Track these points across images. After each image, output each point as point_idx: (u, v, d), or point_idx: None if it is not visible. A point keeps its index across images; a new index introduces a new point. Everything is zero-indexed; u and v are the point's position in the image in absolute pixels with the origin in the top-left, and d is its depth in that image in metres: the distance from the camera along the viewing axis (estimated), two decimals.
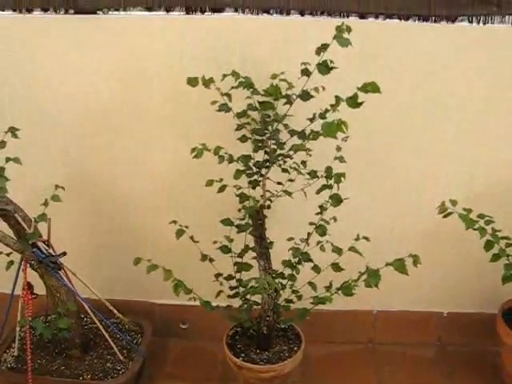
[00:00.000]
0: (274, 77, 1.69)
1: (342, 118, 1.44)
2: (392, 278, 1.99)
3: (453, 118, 1.90)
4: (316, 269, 1.79)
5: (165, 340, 2.20)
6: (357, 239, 1.76)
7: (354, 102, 1.49)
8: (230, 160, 1.62)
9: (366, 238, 1.75)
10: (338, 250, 1.75)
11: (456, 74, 1.85)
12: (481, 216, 1.81)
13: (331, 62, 1.54)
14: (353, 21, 1.81)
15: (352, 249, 1.74)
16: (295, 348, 1.84)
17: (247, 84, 1.64)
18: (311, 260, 1.76)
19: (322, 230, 1.71)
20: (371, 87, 1.47)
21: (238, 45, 1.81)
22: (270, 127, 1.64)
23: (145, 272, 1.70)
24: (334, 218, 1.72)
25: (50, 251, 1.76)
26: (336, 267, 1.76)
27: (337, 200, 1.67)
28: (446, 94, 1.87)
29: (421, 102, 1.88)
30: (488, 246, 1.80)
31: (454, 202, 1.80)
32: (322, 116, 1.56)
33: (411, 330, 2.21)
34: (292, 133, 1.66)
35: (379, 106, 1.76)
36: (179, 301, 1.87)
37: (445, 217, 1.78)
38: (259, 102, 1.66)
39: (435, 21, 1.85)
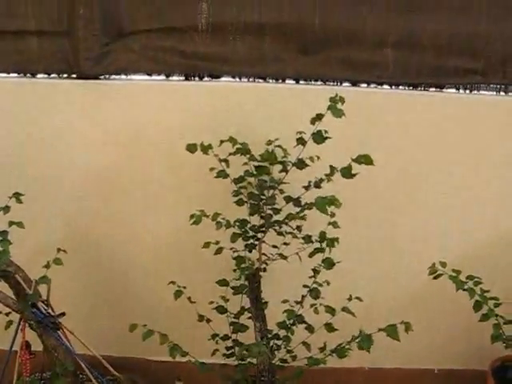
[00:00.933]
0: (269, 143, 1.75)
1: (337, 185, 1.53)
2: (384, 338, 2.04)
3: (442, 184, 1.96)
4: (310, 329, 1.82)
5: None
6: (349, 299, 1.79)
7: (348, 172, 1.55)
8: (228, 225, 1.67)
9: (359, 299, 1.79)
10: (331, 311, 1.79)
11: (445, 141, 1.92)
12: (470, 277, 1.86)
13: (325, 131, 1.60)
14: (346, 88, 1.87)
15: (345, 309, 1.78)
16: None
17: (244, 150, 1.71)
18: (305, 322, 1.79)
19: (315, 292, 1.76)
20: (365, 159, 1.55)
21: (234, 111, 1.86)
22: (266, 192, 1.69)
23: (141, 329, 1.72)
24: (327, 282, 1.75)
25: (49, 311, 1.78)
26: (329, 328, 1.80)
27: (329, 263, 1.73)
28: (436, 161, 1.94)
29: (412, 169, 1.95)
30: (477, 306, 1.85)
31: (443, 264, 1.85)
32: (317, 185, 1.63)
33: None
34: (287, 200, 1.71)
35: (372, 174, 1.82)
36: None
37: (435, 278, 1.83)
38: (255, 167, 1.71)
39: (424, 88, 1.91)
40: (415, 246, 2.03)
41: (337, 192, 1.65)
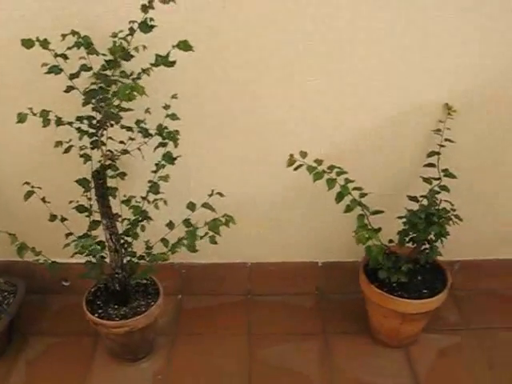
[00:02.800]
0: (115, 35, 1.62)
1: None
2: (268, 233, 2.03)
3: (311, 67, 1.82)
4: (170, 225, 1.80)
5: (45, 297, 2.22)
6: (211, 195, 1.75)
7: (166, 60, 1.47)
8: (59, 123, 1.60)
9: (220, 194, 1.75)
10: (191, 206, 1.75)
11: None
12: (331, 167, 1.80)
13: (151, 19, 1.50)
14: None
15: (205, 205, 1.74)
16: (152, 303, 1.85)
17: (85, 43, 1.59)
18: (150, 218, 1.76)
19: (155, 188, 1.71)
20: (183, 45, 1.46)
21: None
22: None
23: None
24: (166, 177, 1.71)
25: None
26: (187, 223, 1.77)
27: (169, 158, 1.66)
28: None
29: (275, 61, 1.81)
30: (338, 197, 1.81)
31: (303, 155, 1.79)
32: (147, 72, 1.54)
33: (289, 281, 2.23)
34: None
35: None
36: (60, 259, 1.85)
37: (295, 170, 1.77)
38: (106, 61, 1.60)
39: None
40: (277, 134, 1.94)
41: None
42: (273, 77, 1.80)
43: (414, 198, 1.92)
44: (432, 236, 1.82)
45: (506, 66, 1.82)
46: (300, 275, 2.23)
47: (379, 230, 1.83)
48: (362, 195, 1.84)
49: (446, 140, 1.90)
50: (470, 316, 2.19)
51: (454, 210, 1.84)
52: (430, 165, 1.92)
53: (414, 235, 1.83)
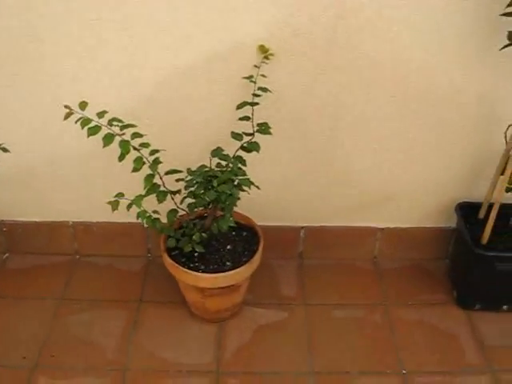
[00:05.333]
0: None
1: None
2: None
3: None
4: None
5: None
6: None
7: None
8: None
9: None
10: None
11: None
12: (114, 120, 1.56)
13: None
14: None
15: None
16: None
17: None
18: None
19: None
20: None
21: None
22: None
23: None
24: None
25: None
26: None
27: None
28: None
29: None
30: (121, 155, 1.58)
31: (83, 105, 1.55)
32: None
33: (117, 242, 2.06)
34: None
35: None
36: None
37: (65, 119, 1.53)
38: None
39: None
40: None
41: None
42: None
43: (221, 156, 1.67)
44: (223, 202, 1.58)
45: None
46: (128, 236, 2.01)
47: (174, 192, 1.64)
48: (153, 152, 1.60)
49: (260, 89, 1.62)
50: (308, 290, 1.98)
51: (245, 174, 1.62)
52: (246, 118, 1.66)
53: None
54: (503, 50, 1.54)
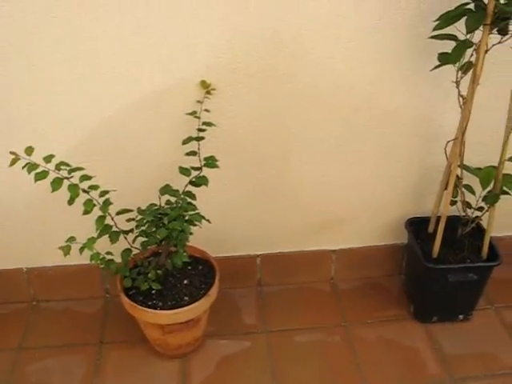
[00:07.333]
0: None
1: None
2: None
3: None
4: None
5: None
6: None
7: None
8: None
9: None
10: None
11: None
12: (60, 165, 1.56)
13: None
14: None
15: None
16: None
17: None
18: None
19: None
20: None
21: None
22: None
23: None
24: None
25: None
26: None
27: None
28: None
29: None
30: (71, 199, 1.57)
31: (29, 151, 1.55)
32: None
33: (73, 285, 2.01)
34: None
35: None
36: None
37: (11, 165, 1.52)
38: None
39: None
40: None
41: None
42: None
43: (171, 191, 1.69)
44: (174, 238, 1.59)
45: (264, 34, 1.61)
46: (84, 278, 1.99)
47: (127, 232, 1.65)
48: (103, 193, 1.60)
49: (205, 123, 1.65)
50: (269, 316, 1.99)
51: (195, 209, 1.63)
52: (192, 153, 1.68)
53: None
54: (438, 70, 1.59)
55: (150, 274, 1.63)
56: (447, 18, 1.51)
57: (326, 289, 2.10)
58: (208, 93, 1.67)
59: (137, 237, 1.63)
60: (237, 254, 2.01)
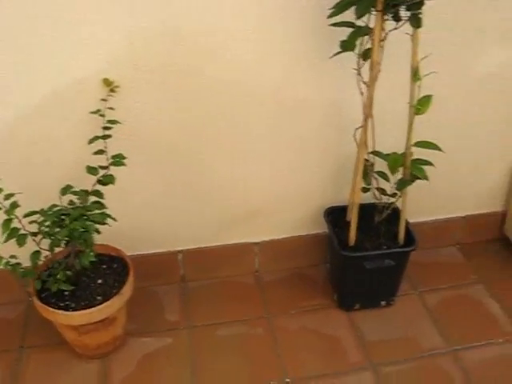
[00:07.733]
0: None
1: None
2: None
3: None
4: None
5: None
6: None
7: None
8: None
9: None
10: None
11: None
12: None
13: None
14: None
15: None
16: None
17: None
18: None
19: None
20: None
21: None
22: None
23: None
24: None
25: None
26: None
27: None
28: None
29: None
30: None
31: None
32: None
33: None
34: None
35: None
36: None
37: None
38: None
39: None
40: None
41: None
42: None
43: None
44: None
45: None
46: (2, 283, 1.96)
47: (35, 234, 1.62)
48: (8, 196, 1.58)
49: (109, 121, 1.63)
50: (192, 312, 1.99)
51: (103, 207, 1.64)
52: (100, 152, 1.66)
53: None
54: (345, 58, 1.60)
55: (59, 275, 1.61)
56: (341, 5, 1.53)
57: (250, 282, 2.11)
58: (112, 90, 1.65)
59: (41, 239, 1.60)
60: (158, 250, 1.99)
